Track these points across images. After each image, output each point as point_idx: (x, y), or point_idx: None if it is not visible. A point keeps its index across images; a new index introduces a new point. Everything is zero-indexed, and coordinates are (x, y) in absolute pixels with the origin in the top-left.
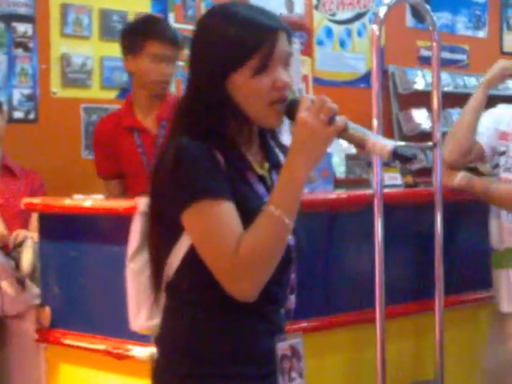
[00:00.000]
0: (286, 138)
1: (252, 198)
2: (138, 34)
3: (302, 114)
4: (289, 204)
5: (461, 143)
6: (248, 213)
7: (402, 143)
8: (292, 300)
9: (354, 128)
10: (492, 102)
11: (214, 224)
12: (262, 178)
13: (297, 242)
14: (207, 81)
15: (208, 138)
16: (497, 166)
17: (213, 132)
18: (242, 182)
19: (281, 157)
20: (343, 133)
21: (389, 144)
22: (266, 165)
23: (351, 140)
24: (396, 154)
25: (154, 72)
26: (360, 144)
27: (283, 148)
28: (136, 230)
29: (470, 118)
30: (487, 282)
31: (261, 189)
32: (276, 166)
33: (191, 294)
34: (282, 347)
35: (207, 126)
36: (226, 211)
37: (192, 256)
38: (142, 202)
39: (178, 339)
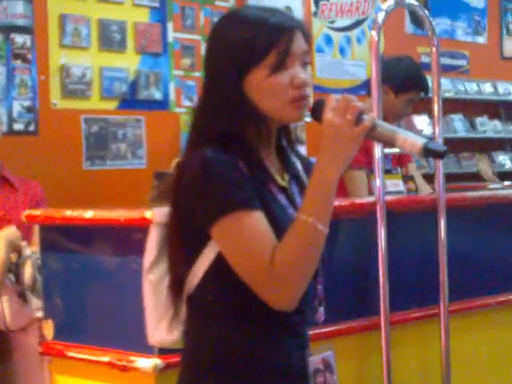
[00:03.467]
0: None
1: (276, 208)
2: None
3: (328, 114)
4: (321, 209)
5: None
6: (273, 223)
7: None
8: (321, 312)
9: (383, 126)
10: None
11: (247, 235)
12: (283, 189)
13: (321, 254)
14: (224, 84)
15: (228, 146)
16: None
17: (232, 139)
18: (265, 192)
19: (299, 167)
20: (371, 131)
21: (419, 140)
22: (286, 176)
23: (380, 139)
24: (427, 150)
25: None
26: (389, 142)
27: (300, 156)
28: (153, 241)
29: None
30: (493, 288)
31: (283, 200)
32: (295, 177)
33: (216, 307)
34: (315, 361)
35: (226, 131)
36: (259, 222)
37: (216, 268)
38: (158, 213)
39: (204, 353)
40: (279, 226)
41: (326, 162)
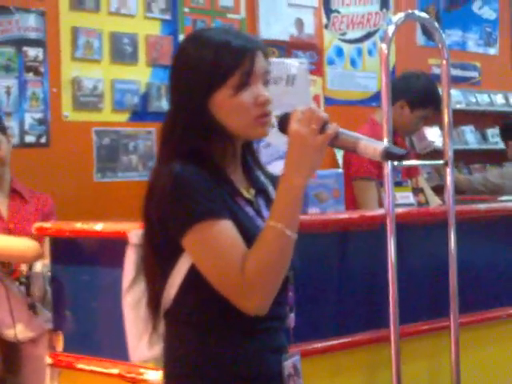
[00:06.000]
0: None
1: (244, 218)
2: None
3: (294, 125)
4: (289, 216)
5: None
6: (242, 233)
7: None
8: (292, 318)
9: (346, 134)
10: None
11: (217, 243)
12: (249, 202)
13: (292, 261)
14: (190, 103)
15: (196, 162)
16: None
17: (199, 156)
18: (233, 204)
19: (264, 181)
20: (335, 140)
21: (380, 145)
22: (252, 190)
23: (344, 146)
24: (387, 153)
25: None
26: (352, 149)
27: (265, 171)
28: (130, 263)
29: None
30: (504, 300)
31: (251, 211)
32: (261, 191)
33: (194, 317)
34: (288, 366)
35: (193, 149)
36: (228, 230)
37: (191, 280)
38: (134, 234)
39: (186, 363)
40: (248, 235)
41: (293, 170)
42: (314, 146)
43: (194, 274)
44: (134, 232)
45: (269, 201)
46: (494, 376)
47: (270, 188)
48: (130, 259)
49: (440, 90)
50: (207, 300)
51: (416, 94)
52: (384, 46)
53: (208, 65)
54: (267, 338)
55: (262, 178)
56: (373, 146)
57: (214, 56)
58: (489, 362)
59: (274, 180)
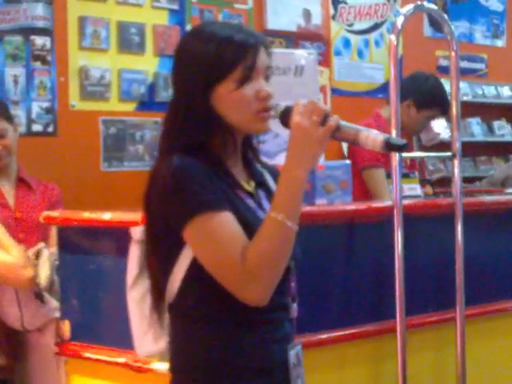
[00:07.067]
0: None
1: (245, 210)
2: None
3: (296, 118)
4: (290, 207)
5: None
6: (243, 224)
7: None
8: (295, 309)
9: (347, 126)
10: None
11: (218, 235)
12: (250, 195)
13: (293, 251)
14: (191, 96)
15: (196, 155)
16: None
17: (199, 148)
18: (233, 196)
19: (265, 174)
20: (336, 132)
21: (380, 136)
22: (252, 183)
23: (345, 138)
24: (388, 144)
25: None
26: (353, 141)
27: (265, 165)
28: (134, 258)
29: None
30: (510, 292)
31: (252, 203)
32: (261, 184)
33: (197, 310)
34: (292, 356)
35: (193, 141)
36: (228, 221)
37: (193, 273)
38: (137, 230)
39: (191, 355)
40: (250, 227)
41: (294, 161)
42: (316, 137)
43: (196, 268)
44: (137, 228)
45: (269, 193)
46: (499, 368)
47: (271, 180)
48: (134, 255)
49: (448, 81)
50: (210, 293)
51: (424, 95)
52: (393, 38)
53: (210, 58)
54: (271, 329)
55: (262, 170)
56: (373, 137)
57: (216, 50)
58: (494, 354)
59: (274, 172)
